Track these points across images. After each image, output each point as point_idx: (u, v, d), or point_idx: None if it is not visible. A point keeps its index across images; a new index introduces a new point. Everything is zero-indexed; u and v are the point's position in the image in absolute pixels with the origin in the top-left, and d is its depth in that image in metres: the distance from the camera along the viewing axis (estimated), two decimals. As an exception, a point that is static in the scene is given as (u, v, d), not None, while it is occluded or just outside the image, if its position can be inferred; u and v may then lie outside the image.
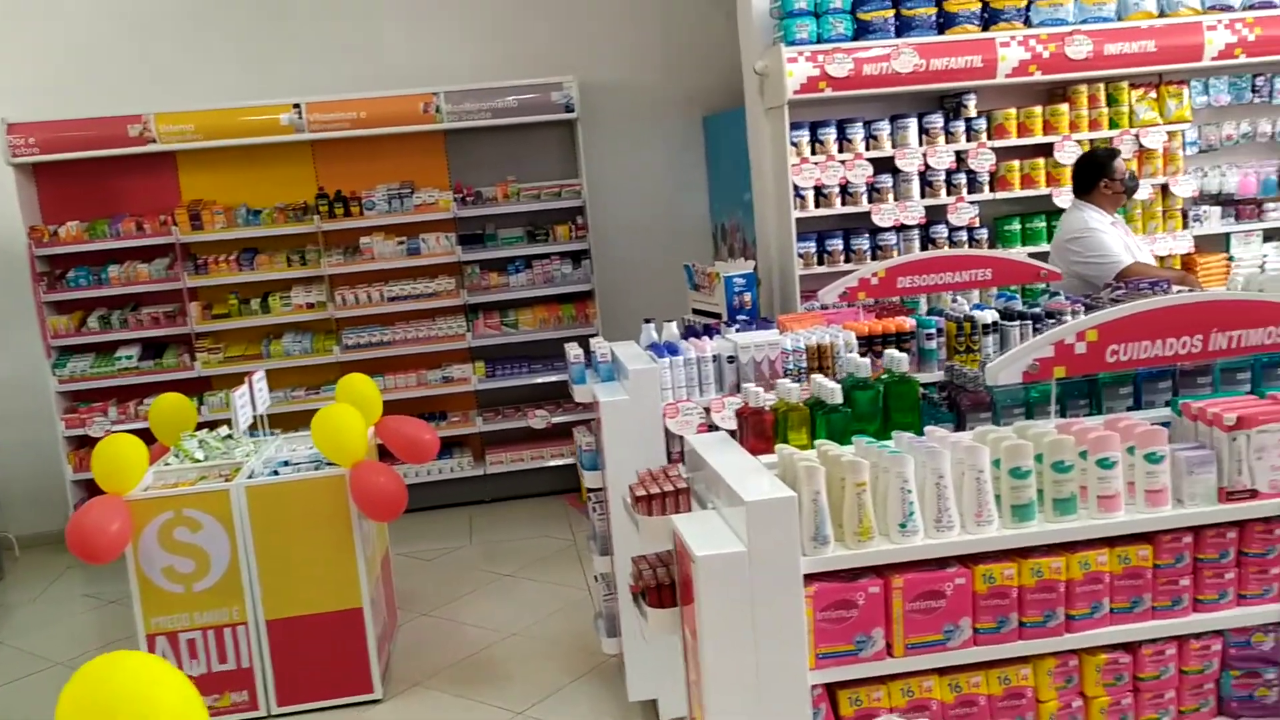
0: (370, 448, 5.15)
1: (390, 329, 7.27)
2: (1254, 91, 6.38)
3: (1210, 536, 2.60)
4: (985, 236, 6.25)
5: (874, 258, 6.12)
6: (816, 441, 2.69)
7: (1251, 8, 6.16)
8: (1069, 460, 2.54)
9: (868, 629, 2.48)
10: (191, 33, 7.24)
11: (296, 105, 6.88)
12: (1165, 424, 2.81)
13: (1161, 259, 6.39)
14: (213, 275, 7.04)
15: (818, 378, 3.02)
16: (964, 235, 6.22)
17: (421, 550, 6.63)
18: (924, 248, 6.20)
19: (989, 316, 4.36)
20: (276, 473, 4.60)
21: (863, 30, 5.94)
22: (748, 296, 5.82)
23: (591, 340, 4.64)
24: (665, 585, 2.70)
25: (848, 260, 6.11)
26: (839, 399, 2.89)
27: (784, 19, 5.93)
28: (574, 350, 4.59)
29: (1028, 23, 6.04)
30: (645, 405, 4.13)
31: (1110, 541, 2.57)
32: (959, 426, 2.92)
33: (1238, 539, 2.61)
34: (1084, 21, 6.05)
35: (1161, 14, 6.13)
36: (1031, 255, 6.11)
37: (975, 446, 2.51)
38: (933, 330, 4.35)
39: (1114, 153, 5.51)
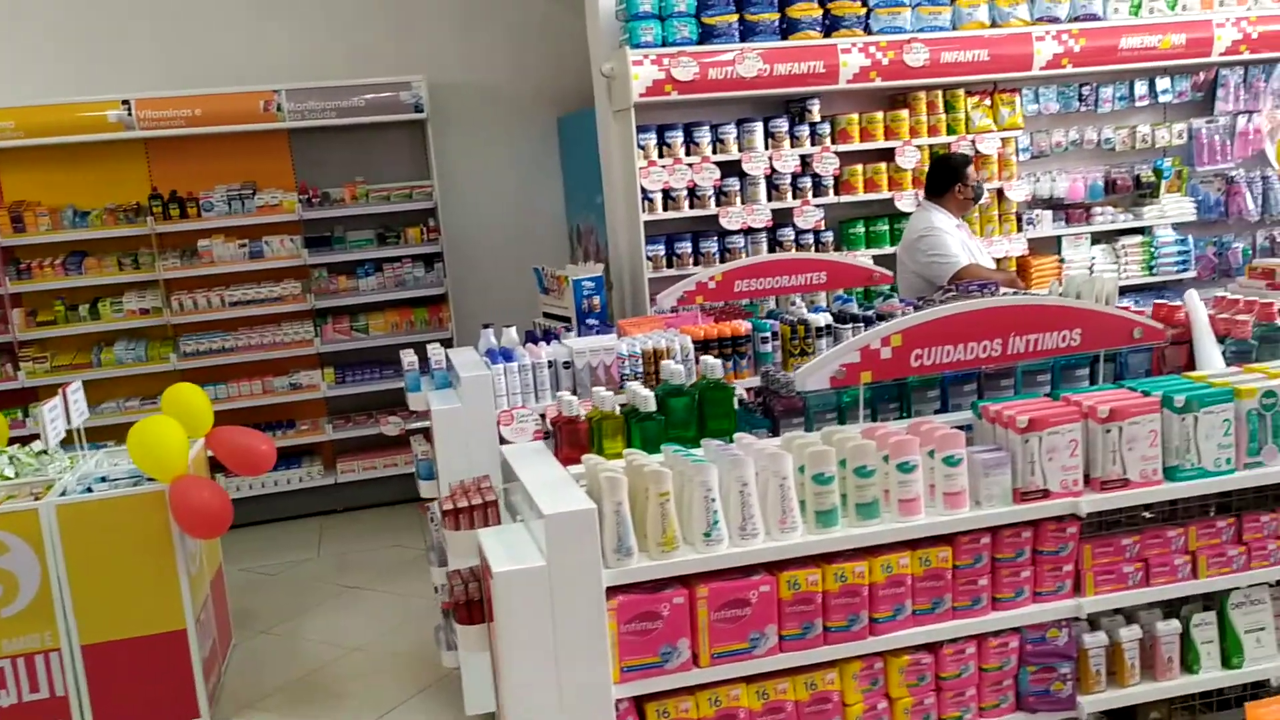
0: (200, 461, 4.94)
1: (233, 335, 7.00)
2: (1080, 100, 6.64)
3: (1007, 536, 2.67)
4: (831, 239, 6.35)
5: (722, 260, 6.15)
6: (625, 451, 2.67)
7: (1077, 20, 6.41)
8: (871, 465, 2.57)
9: (673, 640, 2.46)
10: (11, 25, 6.84)
11: (125, 102, 6.56)
12: (968, 427, 2.88)
13: (999, 260, 6.60)
14: (37, 280, 6.66)
15: (632, 385, 3.00)
16: (810, 238, 6.31)
17: (265, 564, 6.40)
18: (771, 250, 6.27)
19: (823, 320, 4.43)
20: (91, 490, 4.36)
21: (707, 34, 5.96)
22: (597, 300, 5.78)
23: (429, 346, 4.54)
24: (475, 601, 2.64)
25: (696, 263, 6.14)
26: (652, 406, 2.87)
27: (629, 21, 5.91)
28: (409, 357, 4.48)
29: (868, 30, 6.16)
30: (478, 413, 4.05)
31: (912, 544, 2.61)
32: (774, 432, 2.93)
33: (1033, 538, 2.68)
34: (921, 30, 6.21)
35: (994, 24, 6.33)
36: (875, 258, 6.28)
37: (778, 454, 2.52)
38: (768, 334, 4.39)
39: (968, 159, 5.66)
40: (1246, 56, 6.64)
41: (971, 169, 5.47)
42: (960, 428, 2.90)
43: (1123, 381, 2.93)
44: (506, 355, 4.25)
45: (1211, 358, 3.10)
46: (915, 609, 2.63)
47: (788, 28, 6.06)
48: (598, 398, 2.92)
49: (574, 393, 4.24)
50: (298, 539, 6.84)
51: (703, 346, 4.33)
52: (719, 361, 3.00)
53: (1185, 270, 6.82)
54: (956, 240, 5.35)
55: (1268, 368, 2.93)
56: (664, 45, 5.90)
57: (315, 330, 7.11)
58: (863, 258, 6.31)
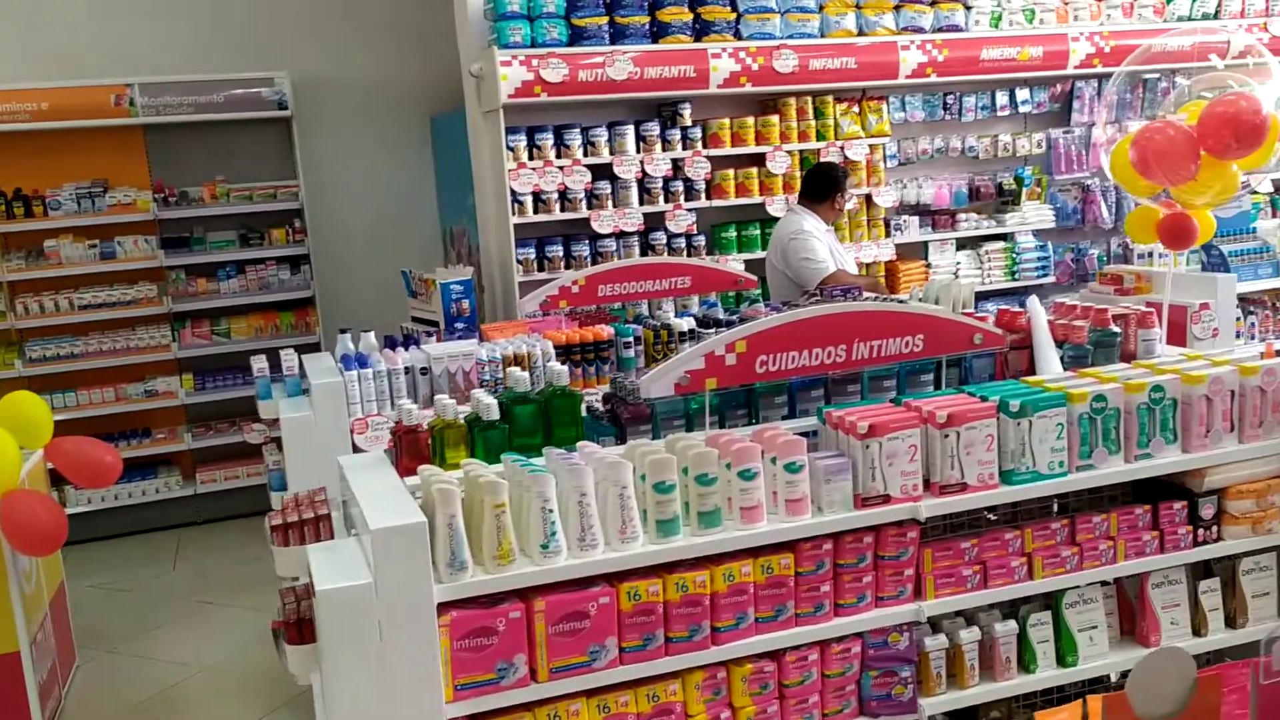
0: (38, 474, 4.68)
1: (83, 340, 6.66)
2: (945, 109, 6.80)
3: (848, 542, 2.67)
4: (703, 243, 6.36)
5: (594, 263, 6.10)
6: (464, 461, 2.59)
7: (940, 30, 6.56)
8: (713, 473, 2.54)
9: (509, 655, 2.39)
10: None
11: (-37, 93, 6.20)
12: (814, 433, 2.88)
13: (866, 266, 6.71)
14: None
15: (476, 393, 2.92)
16: (682, 242, 6.31)
17: (117, 580, 6.10)
18: (644, 254, 6.24)
19: (686, 324, 4.41)
20: (-91, 507, 4.07)
21: (577, 36, 5.91)
22: (466, 304, 5.67)
23: (282, 352, 4.37)
24: (307, 620, 2.52)
25: (568, 266, 6.07)
26: (496, 415, 2.80)
27: (497, 21, 5.82)
28: (259, 363, 4.31)
29: (738, 35, 6.19)
30: (330, 421, 3.92)
31: (754, 552, 2.60)
32: (620, 440, 2.89)
33: (874, 543, 2.70)
34: (790, 37, 6.26)
35: (861, 33, 6.43)
36: (746, 262, 6.31)
37: (619, 463, 2.47)
38: (630, 339, 4.36)
39: (848, 172, 5.74)
40: (1100, 70, 6.89)
41: (851, 180, 5.56)
42: (806, 433, 2.91)
43: (964, 386, 2.97)
44: (361, 361, 4.12)
45: (1050, 362, 3.18)
46: (758, 617, 2.61)
47: (658, 31, 6.05)
48: (439, 406, 2.83)
49: (430, 400, 4.14)
50: (153, 553, 6.54)
51: (564, 352, 4.27)
52: (565, 368, 2.94)
53: (1045, 275, 7.04)
54: (825, 245, 5.41)
55: (1100, 372, 3.00)
56: (533, 46, 5.83)
57: (173, 335, 6.82)
58: (733, 262, 6.36)
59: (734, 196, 6.38)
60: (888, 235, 6.72)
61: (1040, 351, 3.20)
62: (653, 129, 6.16)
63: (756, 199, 6.38)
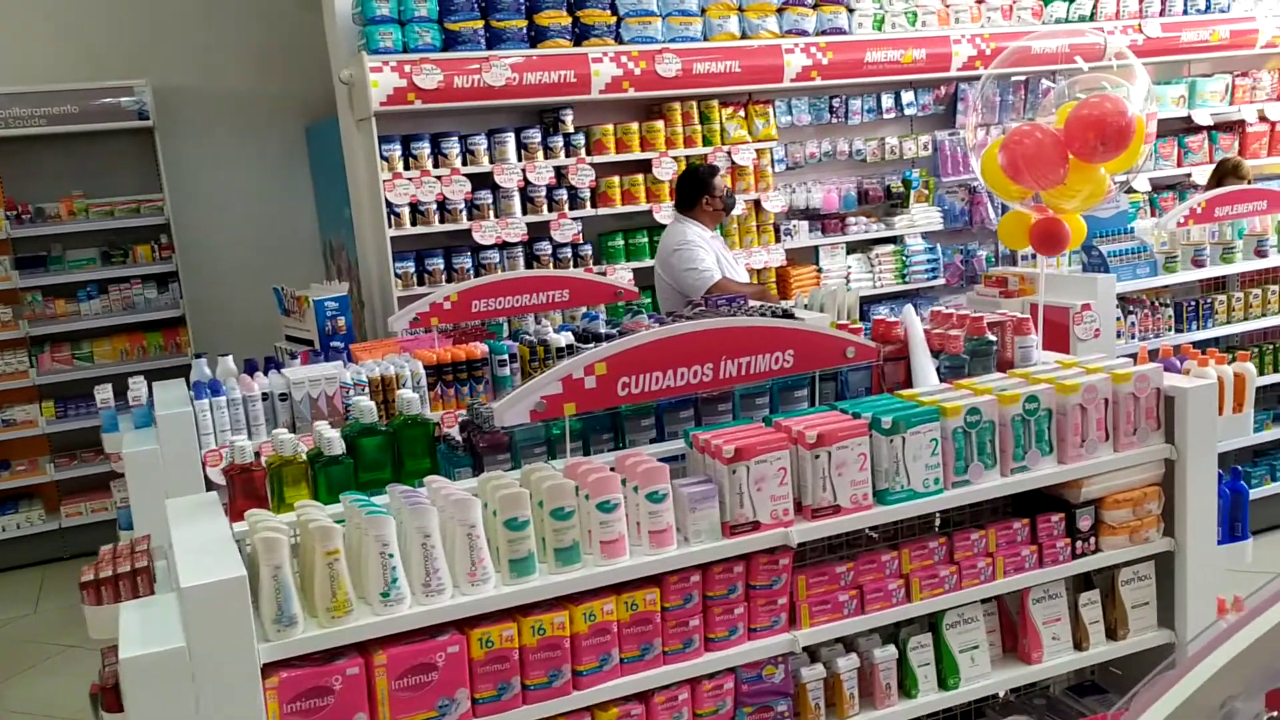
0: None
1: (-70, 368, 6.23)
2: (831, 112, 6.76)
3: (717, 573, 2.53)
4: (590, 252, 6.20)
5: (477, 275, 5.90)
6: (299, 503, 2.38)
7: (824, 33, 6.51)
8: (569, 506, 2.37)
9: (347, 716, 2.19)
10: None
11: None
12: (682, 456, 2.74)
13: (757, 272, 6.63)
14: None
15: (318, 425, 2.71)
16: (568, 252, 6.14)
17: (-30, 625, 5.70)
18: (529, 265, 6.07)
19: (564, 340, 4.24)
20: None
21: (452, 41, 5.71)
22: (342, 321, 5.43)
23: (130, 379, 4.08)
24: (126, 684, 2.28)
25: (450, 279, 5.86)
26: (339, 449, 2.59)
27: (366, 26, 5.59)
28: (102, 393, 4.01)
29: (619, 40, 6.05)
30: (179, 455, 3.65)
31: (617, 588, 2.44)
32: (477, 470, 2.71)
33: (745, 572, 2.56)
34: (673, 41, 6.15)
35: (744, 36, 6.35)
36: (635, 271, 6.18)
37: (465, 500, 2.29)
38: (505, 356, 4.17)
39: (714, 170, 5.61)
40: (982, 71, 6.91)
41: (718, 180, 5.43)
42: (675, 457, 2.76)
43: (837, 403, 2.86)
44: (215, 389, 3.86)
45: (927, 374, 3.08)
46: (623, 657, 2.45)
47: (536, 35, 5.88)
48: (276, 441, 2.61)
49: (293, 428, 3.90)
50: (14, 592, 6.14)
51: (436, 372, 4.07)
52: (416, 396, 2.74)
53: (935, 278, 7.05)
54: (711, 253, 5.30)
55: (975, 383, 2.92)
56: (405, 51, 5.61)
57: (30, 360, 6.41)
58: (622, 271, 6.22)
59: (620, 204, 6.24)
60: (778, 240, 6.65)
61: (916, 363, 3.11)
62: (534, 136, 5.98)
63: (643, 206, 6.25)
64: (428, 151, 5.76)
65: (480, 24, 5.74)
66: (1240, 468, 3.55)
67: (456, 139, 5.82)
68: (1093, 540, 2.93)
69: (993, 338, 3.19)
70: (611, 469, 2.49)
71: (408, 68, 5.52)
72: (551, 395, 2.56)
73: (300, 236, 7.38)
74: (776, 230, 6.64)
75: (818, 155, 6.78)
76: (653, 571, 2.46)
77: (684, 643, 2.51)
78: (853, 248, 6.92)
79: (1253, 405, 3.08)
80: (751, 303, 4.76)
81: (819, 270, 6.79)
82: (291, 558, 2.20)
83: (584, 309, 4.89)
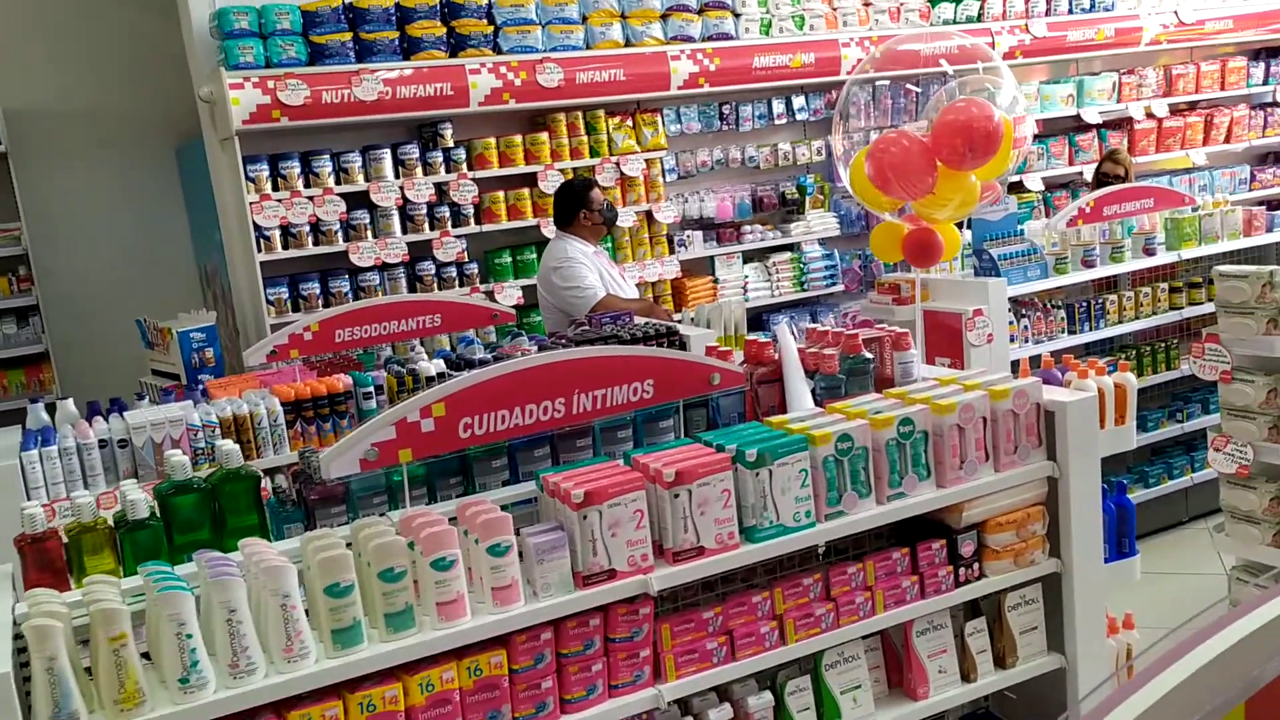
0: None
1: None
2: (722, 120, 6.62)
3: (571, 628, 2.32)
4: (476, 271, 5.97)
5: (356, 299, 5.63)
6: (88, 579, 2.11)
7: (710, 39, 6.37)
8: (400, 566, 2.15)
9: (144, 821, 1.93)
10: None
11: None
12: (534, 500, 2.53)
13: (651, 285, 6.46)
14: None
15: (125, 485, 2.44)
16: (453, 271, 5.89)
17: None
18: (412, 287, 5.81)
19: (434, 368, 4.00)
20: None
21: (318, 55, 5.43)
22: (210, 353, 5.10)
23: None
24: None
25: (327, 304, 5.57)
26: (144, 512, 2.33)
27: (225, 40, 5.28)
28: (-78, 447, 3.66)
29: (497, 50, 5.84)
30: (2, 513, 3.32)
31: (458, 653, 2.22)
32: (310, 525, 2.47)
33: (602, 625, 2.36)
34: (554, 49, 5.95)
35: (628, 43, 6.18)
36: (525, 288, 5.96)
37: (277, 567, 2.05)
38: (371, 389, 3.92)
39: (590, 183, 5.43)
40: (873, 75, 6.84)
41: (596, 192, 5.25)
42: (530, 500, 2.56)
43: (702, 434, 2.68)
44: (46, 437, 3.54)
45: (801, 397, 2.92)
46: (469, 728, 2.23)
47: (410, 47, 5.64)
48: (75, 505, 2.34)
49: (135, 475, 3.60)
50: None
51: (295, 408, 3.80)
52: (236, 447, 2.49)
53: (834, 284, 6.95)
54: (594, 269, 5.10)
55: (849, 405, 2.76)
56: (268, 66, 5.32)
57: (-125, 405, 5.96)
58: (511, 289, 6.00)
59: (506, 220, 6.01)
60: (671, 252, 6.48)
61: (790, 386, 2.95)
62: (412, 152, 5.73)
63: (530, 221, 6.04)
64: (298, 171, 5.47)
65: (348, 36, 5.48)
66: (1125, 480, 3.47)
67: (328, 157, 5.54)
68: (976, 566, 2.79)
69: (869, 355, 3.04)
70: (452, 519, 2.27)
71: (271, 83, 5.23)
72: (384, 441, 2.33)
73: (175, 264, 7.01)
74: (670, 241, 6.48)
75: (709, 163, 6.64)
76: (498, 632, 2.24)
77: (536, 706, 2.30)
78: (749, 257, 6.79)
79: (1135, 415, 2.98)
80: (637, 319, 4.59)
81: (715, 281, 6.64)
82: (76, 644, 1.95)
83: (470, 332, 4.66)
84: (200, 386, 4.13)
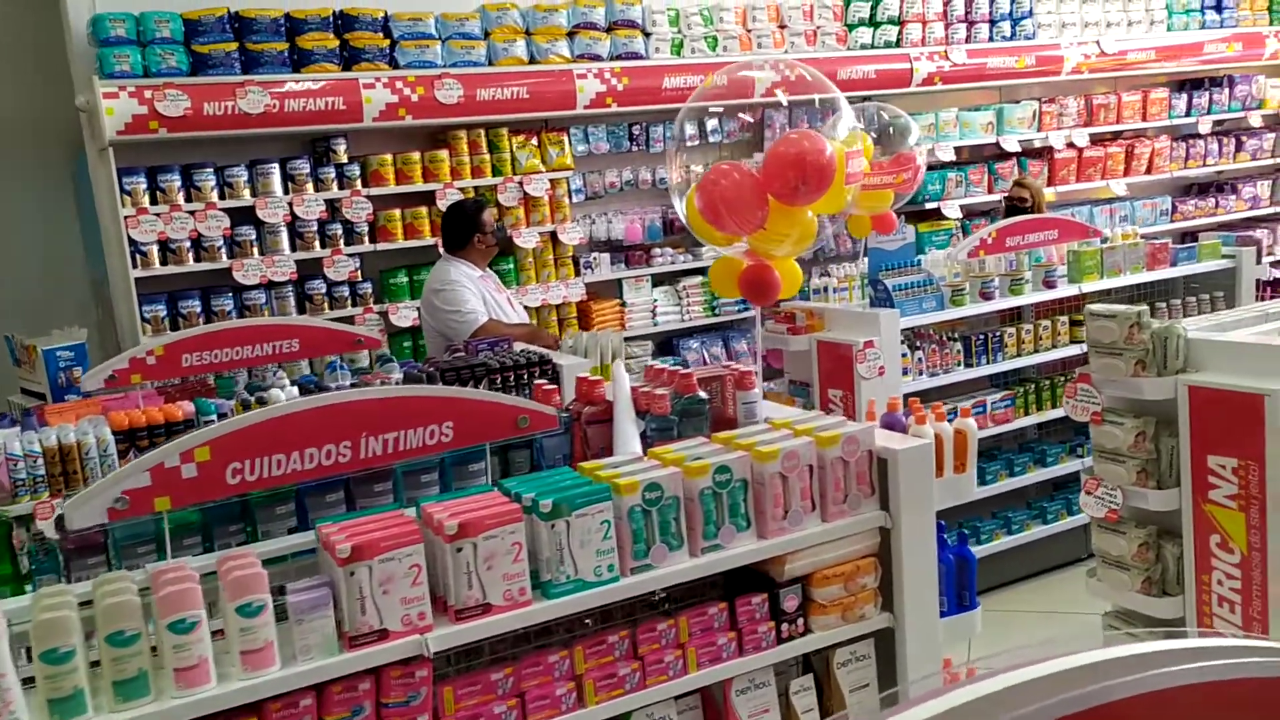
0: None
1: None
2: (632, 140, 6.49)
3: (337, 694, 2.16)
4: (370, 290, 5.79)
5: (240, 318, 5.44)
6: None
7: (619, 58, 6.25)
8: (131, 629, 1.98)
9: None
10: None
11: None
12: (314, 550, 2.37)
13: (556, 308, 6.31)
14: None
15: None
16: (345, 290, 5.72)
17: None
18: (300, 306, 5.63)
19: (284, 395, 3.83)
20: None
21: (201, 65, 5.25)
22: (78, 372, 4.88)
23: None
24: None
25: (208, 323, 5.36)
26: None
27: (101, 47, 5.09)
28: None
29: (394, 64, 5.68)
30: None
31: (205, 721, 2.05)
32: (66, 576, 2.29)
33: (373, 689, 2.19)
34: (454, 65, 5.80)
35: (533, 61, 6.04)
36: (420, 310, 5.78)
37: (-17, 630, 1.87)
38: (214, 417, 3.73)
39: (482, 204, 5.28)
40: (785, 98, 6.72)
41: (488, 214, 5.11)
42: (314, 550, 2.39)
43: (504, 480, 2.52)
44: None
45: (628, 439, 2.77)
46: (209, 804, 2.06)
47: (300, 59, 5.47)
48: None
49: (-52, 507, 3.39)
50: None
51: (129, 437, 3.61)
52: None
53: (746, 309, 6.80)
54: (477, 293, 4.95)
55: (669, 450, 2.62)
56: (146, 75, 5.13)
57: None
58: (405, 310, 5.84)
59: (403, 239, 5.84)
60: (577, 274, 6.34)
61: (618, 427, 2.80)
62: (302, 167, 5.56)
63: (428, 240, 5.87)
64: (178, 184, 5.28)
65: (234, 46, 5.30)
66: (967, 530, 3.34)
67: (212, 170, 5.35)
68: (801, 621, 2.65)
69: (704, 395, 2.90)
70: (209, 574, 2.10)
71: (149, 93, 5.04)
72: (137, 489, 2.16)
73: (70, 278, 6.76)
74: (576, 263, 6.33)
75: (618, 184, 6.50)
76: (248, 699, 2.07)
77: (293, 779, 2.13)
78: (659, 280, 6.65)
79: (975, 463, 2.86)
80: (516, 345, 4.44)
81: (623, 305, 6.50)
82: None
83: (336, 358, 4.48)
84: (31, 412, 3.93)
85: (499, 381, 4.03)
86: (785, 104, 3.54)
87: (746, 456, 2.56)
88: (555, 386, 2.92)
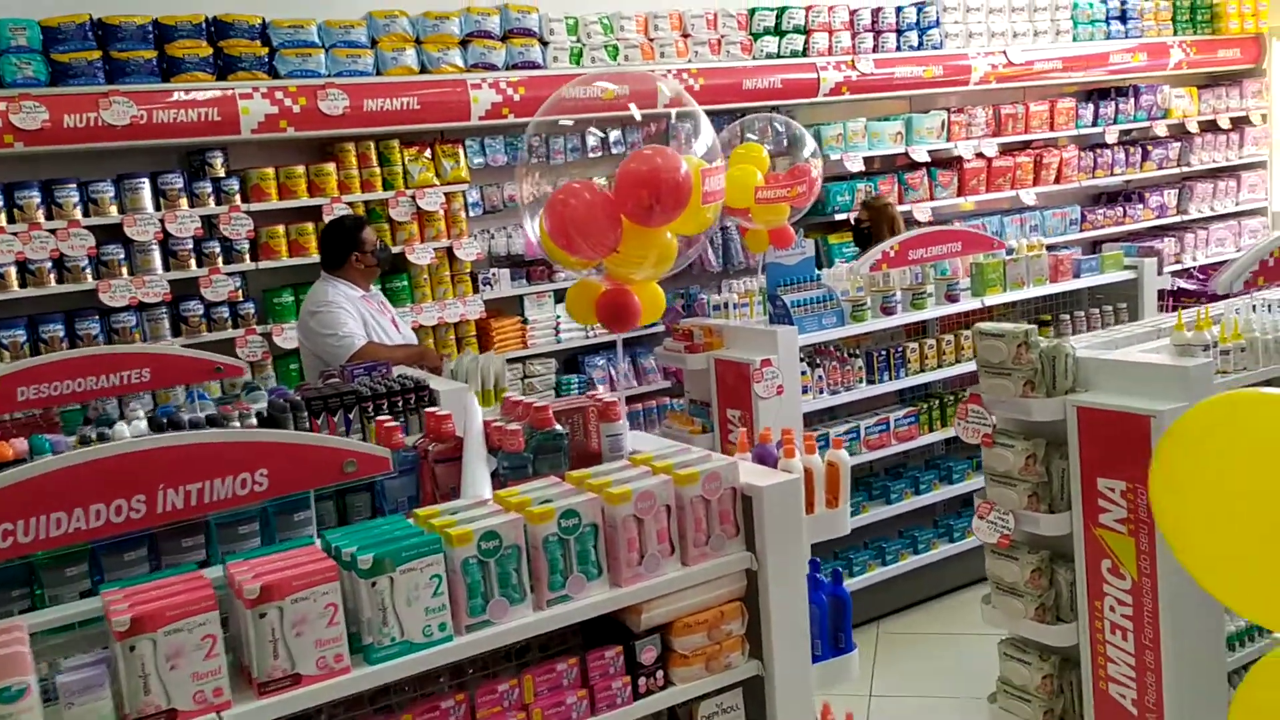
0: None
1: None
2: (530, 152, 6.26)
3: (114, 782, 1.91)
4: (252, 310, 5.51)
5: (109, 342, 5.13)
6: None
7: (515, 67, 6.04)
8: None
9: None
10: None
11: None
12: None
13: (454, 326, 6.08)
14: None
15: None
16: (225, 311, 5.43)
17: None
18: (175, 329, 5.33)
19: (130, 430, 3.55)
20: None
21: (61, 75, 4.95)
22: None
23: None
24: None
25: (74, 347, 5.06)
26: None
27: (-52, 56, 4.76)
28: None
29: (273, 74, 5.41)
30: None
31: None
32: None
33: (160, 775, 1.95)
34: (339, 74, 5.55)
35: (424, 70, 5.81)
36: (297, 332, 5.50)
37: None
38: (50, 455, 3.44)
39: (362, 221, 5.05)
40: (693, 108, 6.57)
41: (369, 232, 4.87)
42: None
43: (328, 532, 2.29)
44: None
45: (477, 480, 2.56)
46: None
47: (170, 69, 5.18)
48: None
49: None
50: None
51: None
52: None
53: (653, 325, 6.63)
54: (356, 315, 4.71)
55: (514, 493, 2.41)
56: (1, 86, 4.81)
57: None
58: (292, 330, 5.56)
59: (287, 256, 5.58)
60: (476, 291, 6.12)
61: (466, 467, 2.59)
62: (175, 182, 5.27)
63: (315, 258, 5.58)
64: (37, 201, 4.97)
65: (97, 55, 5.00)
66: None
67: (75, 186, 5.04)
68: (660, 674, 2.46)
69: (561, 430, 2.70)
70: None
71: (3, 105, 4.73)
72: (-119, 556, 1.90)
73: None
74: (474, 280, 6.11)
75: (517, 198, 6.27)
76: (8, 795, 1.82)
77: None
78: (562, 295, 6.44)
79: (849, 496, 2.70)
80: (396, 370, 4.21)
81: (524, 322, 6.30)
82: None
83: (195, 387, 4.21)
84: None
85: (370, 410, 3.81)
86: (639, 118, 3.34)
87: (597, 499, 2.37)
88: (399, 424, 2.69)
